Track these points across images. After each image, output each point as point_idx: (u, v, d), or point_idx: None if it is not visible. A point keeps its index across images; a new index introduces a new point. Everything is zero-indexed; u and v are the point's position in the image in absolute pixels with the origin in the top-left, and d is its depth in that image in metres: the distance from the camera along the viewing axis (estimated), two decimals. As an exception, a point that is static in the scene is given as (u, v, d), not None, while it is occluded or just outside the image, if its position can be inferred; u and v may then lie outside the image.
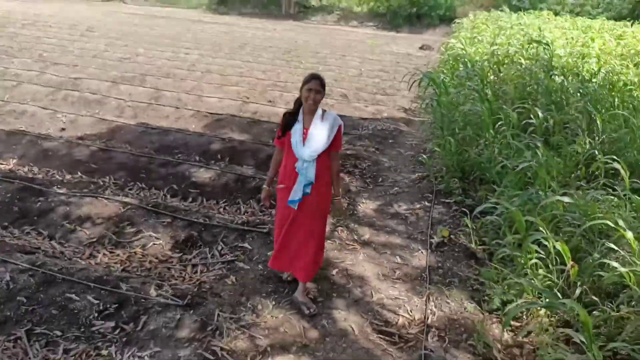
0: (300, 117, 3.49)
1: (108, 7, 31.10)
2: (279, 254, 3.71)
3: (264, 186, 3.76)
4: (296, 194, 3.47)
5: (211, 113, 8.64)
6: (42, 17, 21.44)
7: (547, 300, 3.33)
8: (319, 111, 3.49)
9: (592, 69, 8.91)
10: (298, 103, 3.52)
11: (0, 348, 3.20)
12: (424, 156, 6.54)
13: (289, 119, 3.51)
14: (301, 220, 3.58)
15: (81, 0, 34.09)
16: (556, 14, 27.93)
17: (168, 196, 5.57)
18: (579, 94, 7.30)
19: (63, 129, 7.69)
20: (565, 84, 7.65)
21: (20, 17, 20.91)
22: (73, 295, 3.59)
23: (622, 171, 4.78)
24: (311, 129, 3.44)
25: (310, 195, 3.50)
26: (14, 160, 6.34)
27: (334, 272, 4.21)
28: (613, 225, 3.67)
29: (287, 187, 3.53)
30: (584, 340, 2.85)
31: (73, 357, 3.15)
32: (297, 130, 3.45)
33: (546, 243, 3.79)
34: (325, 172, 3.56)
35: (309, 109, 3.46)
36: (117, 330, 3.34)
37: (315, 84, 3.38)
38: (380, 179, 6.28)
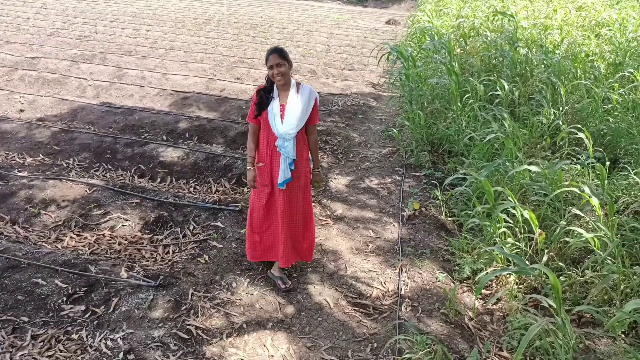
0: (275, 93, 3.36)
1: (63, -17, 29.67)
2: (268, 242, 3.61)
3: (248, 167, 3.52)
4: (284, 173, 3.37)
5: (177, 91, 8.42)
6: (-9, -7, 20.29)
7: (517, 266, 3.42)
8: (293, 83, 3.37)
9: (555, 40, 9.05)
10: (269, 81, 3.38)
11: (-36, 337, 3.09)
12: (394, 130, 6.56)
13: (264, 96, 3.36)
14: (288, 201, 3.49)
15: (33, -25, 32.46)
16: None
17: (136, 177, 5.43)
18: (543, 66, 7.42)
19: (21, 110, 7.37)
20: (530, 55, 7.76)
21: (-33, -7, 19.75)
22: (40, 280, 3.49)
23: (586, 140, 4.91)
24: (288, 104, 3.32)
25: (293, 172, 3.42)
26: (-31, 144, 6.05)
27: (308, 247, 4.21)
28: (579, 192, 3.78)
29: (266, 165, 3.43)
30: (553, 304, 2.94)
31: (42, 343, 3.06)
32: (273, 107, 3.33)
33: (514, 212, 3.88)
34: (304, 147, 3.48)
35: (280, 85, 3.32)
36: (88, 314, 3.27)
37: (274, 58, 3.23)
38: (351, 155, 6.28)
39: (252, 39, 14.15)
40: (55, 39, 12.29)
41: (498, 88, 6.44)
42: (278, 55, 3.24)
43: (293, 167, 3.42)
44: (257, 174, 3.49)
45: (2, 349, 3.01)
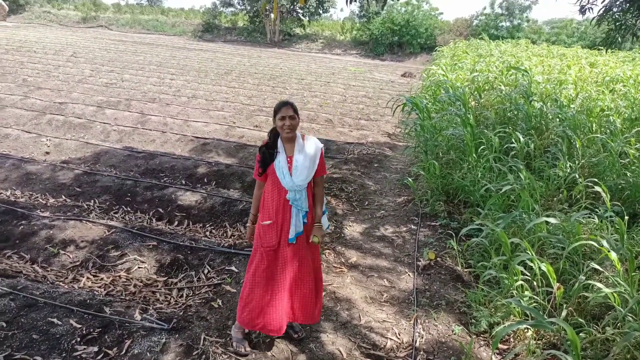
0: (280, 147, 3.28)
1: (93, 34, 31.21)
2: (275, 308, 3.30)
3: (248, 225, 3.43)
4: (296, 227, 3.26)
5: (197, 137, 8.65)
6: (26, 43, 21.41)
7: (535, 320, 3.34)
8: (299, 136, 3.30)
9: (570, 95, 9.17)
10: (273, 133, 3.29)
11: (-23, 375, 3.10)
12: (409, 179, 6.61)
13: (267, 152, 3.27)
14: (298, 259, 3.33)
15: (66, 27, 34.20)
16: (533, 42, 28.86)
17: (154, 219, 5.52)
18: (557, 119, 7.49)
19: (47, 153, 7.62)
20: (544, 109, 7.85)
21: (4, 42, 20.86)
22: (55, 320, 3.50)
23: (603, 194, 4.89)
24: (295, 156, 3.24)
25: (305, 226, 3.33)
26: (-4, 184, 6.23)
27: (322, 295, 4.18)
28: (598, 247, 3.73)
29: (275, 222, 3.26)
30: (571, 360, 2.86)
31: (54, 384, 3.05)
32: (280, 161, 3.23)
33: (532, 265, 3.84)
34: (311, 199, 3.37)
35: (287, 137, 3.25)
36: (101, 355, 3.25)
37: (286, 110, 3.18)
38: (366, 202, 6.32)
39: (272, 89, 14.58)
40: (83, 85, 12.82)
41: (513, 140, 6.50)
42: (291, 108, 3.21)
43: (306, 220, 3.32)
44: (262, 232, 3.29)
45: (13, 388, 3.00)
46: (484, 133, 6.75)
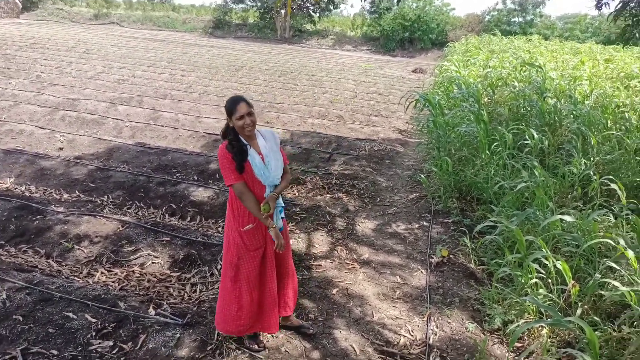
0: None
1: (104, 30, 31.40)
2: (271, 306, 3.25)
3: (272, 226, 3.11)
4: (278, 223, 3.17)
5: (209, 133, 8.67)
6: (39, 40, 21.59)
7: (552, 319, 3.31)
8: (256, 132, 3.12)
9: (585, 91, 9.06)
10: (233, 133, 3.03)
11: (-5, 368, 3.14)
12: (422, 176, 6.58)
13: (238, 146, 3.00)
14: (283, 253, 3.30)
15: (78, 23, 34.45)
16: (546, 38, 28.55)
17: (166, 215, 5.55)
18: (572, 116, 7.41)
19: (61, 149, 7.69)
20: (559, 106, 7.76)
21: (17, 39, 21.06)
22: (70, 314, 3.54)
23: (619, 191, 4.83)
24: (263, 151, 3.08)
25: (283, 220, 3.29)
26: (11, 179, 6.30)
27: (334, 291, 4.19)
28: (614, 244, 3.69)
29: (258, 223, 3.12)
30: (589, 359, 2.83)
31: (70, 378, 3.08)
32: (254, 157, 3.02)
33: (546, 262, 3.80)
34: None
35: (249, 135, 3.03)
36: (116, 350, 3.28)
37: (243, 107, 2.94)
38: (378, 199, 6.30)
39: (282, 85, 14.58)
40: (95, 82, 12.91)
41: (527, 137, 6.44)
42: (246, 104, 2.96)
43: (283, 215, 3.28)
44: (245, 238, 3.12)
45: (31, 381, 3.03)
46: (497, 129, 6.70)
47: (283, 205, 3.27)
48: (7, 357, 3.23)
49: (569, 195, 5.63)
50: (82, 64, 15.71)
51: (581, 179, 5.77)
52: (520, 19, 33.30)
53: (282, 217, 3.26)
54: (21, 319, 3.51)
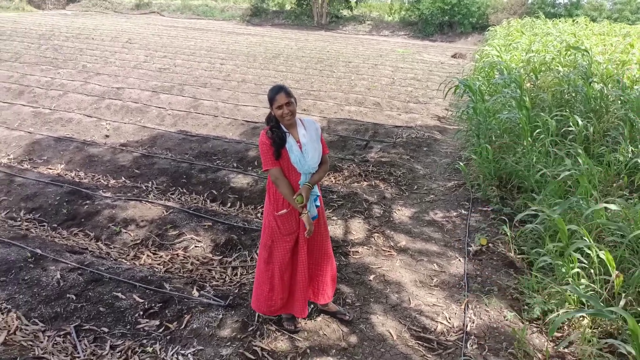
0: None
1: (146, 20, 32.09)
2: (301, 292, 3.35)
3: (304, 212, 3.20)
4: (312, 211, 3.24)
5: (247, 121, 8.81)
6: (84, 30, 22.31)
7: (595, 309, 3.26)
8: (298, 120, 3.22)
9: (633, 75, 8.67)
10: (274, 121, 3.15)
11: (50, 342, 3.35)
12: (461, 164, 6.50)
13: (278, 133, 3.12)
14: (316, 241, 3.37)
15: (120, 13, 35.34)
16: (593, 20, 27.34)
17: (208, 201, 5.71)
18: (619, 102, 7.12)
19: (107, 136, 7.99)
20: (605, 91, 7.48)
21: (64, 30, 21.84)
22: (119, 294, 3.73)
23: (668, 180, 4.65)
24: (302, 140, 3.16)
25: (318, 209, 3.34)
26: (62, 166, 6.62)
27: (371, 277, 4.24)
28: (661, 235, 3.58)
29: (292, 209, 3.21)
30: (632, 350, 2.79)
31: (119, 354, 3.26)
32: (292, 145, 3.13)
33: (589, 252, 3.72)
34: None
35: (289, 124, 3.14)
36: (162, 329, 3.45)
37: (282, 97, 3.04)
38: (415, 187, 6.28)
39: (319, 72, 14.58)
40: (138, 71, 13.27)
41: (571, 123, 6.25)
42: (285, 94, 3.06)
43: (318, 204, 3.33)
44: (279, 223, 3.24)
45: (84, 356, 3.23)
46: (539, 116, 6.52)
47: (318, 193, 3.33)
48: (61, 332, 3.45)
49: (615, 184, 5.45)
50: (125, 54, 16.17)
51: (628, 167, 5.58)
52: (566, 0, 31.95)
53: (317, 206, 3.31)
54: (74, 297, 3.72)
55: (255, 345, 3.30)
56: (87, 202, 5.29)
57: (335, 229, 4.96)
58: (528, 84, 8.79)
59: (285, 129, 3.15)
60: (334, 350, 3.36)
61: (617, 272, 3.58)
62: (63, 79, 11.61)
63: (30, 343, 3.33)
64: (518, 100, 6.56)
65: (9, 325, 3.45)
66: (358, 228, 5.04)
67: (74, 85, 11.06)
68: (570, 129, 6.26)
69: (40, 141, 7.27)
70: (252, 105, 9.98)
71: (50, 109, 9.05)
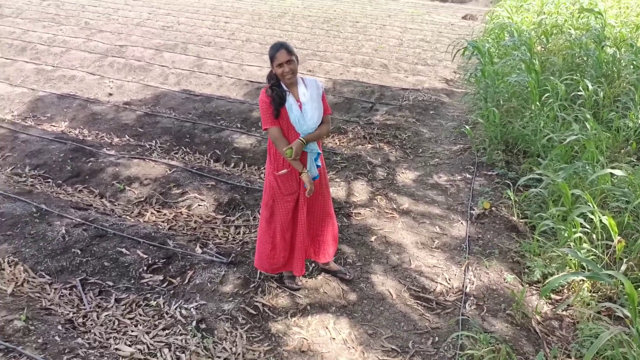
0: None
1: (149, -24, 31.32)
2: (300, 250, 3.36)
3: (304, 171, 3.18)
4: (312, 171, 3.22)
5: (252, 81, 8.70)
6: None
7: (591, 272, 3.28)
8: (299, 79, 3.15)
9: (648, 40, 8.43)
10: (275, 79, 3.10)
11: (57, 295, 3.42)
12: (467, 127, 6.43)
13: (279, 92, 3.07)
14: (316, 201, 3.36)
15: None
16: (610, -18, 26.40)
17: (211, 160, 5.71)
18: (632, 67, 6.96)
19: (110, 94, 7.93)
20: (618, 55, 7.30)
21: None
22: (124, 250, 3.78)
23: (677, 146, 4.58)
24: (302, 99, 3.10)
25: (319, 169, 3.31)
26: (65, 123, 6.60)
27: (373, 238, 4.26)
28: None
29: (291, 170, 3.20)
30: (628, 314, 2.81)
31: (124, 306, 3.34)
32: (292, 104, 3.08)
33: (592, 217, 3.72)
34: (319, 141, 3.29)
35: (289, 82, 3.08)
36: (165, 284, 3.51)
37: (283, 55, 2.96)
38: (420, 150, 6.24)
39: (325, 33, 14.29)
40: (141, 28, 13.04)
41: (581, 88, 6.13)
42: (286, 52, 2.98)
43: (319, 163, 3.30)
44: (280, 182, 3.22)
45: (90, 308, 3.30)
46: (549, 80, 6.39)
47: (319, 151, 3.28)
48: (67, 285, 3.52)
49: (622, 150, 5.39)
50: (128, 11, 15.86)
51: (637, 133, 5.50)
52: (583, -39, 30.86)
53: (317, 166, 3.29)
54: (79, 252, 3.78)
55: (257, 301, 3.36)
56: (91, 159, 5.30)
57: (338, 191, 4.96)
58: (538, 47, 8.59)
59: (286, 88, 3.10)
60: (334, 308, 3.42)
61: (619, 237, 3.59)
62: (65, 36, 11.44)
63: (38, 295, 3.40)
64: (527, 63, 6.42)
65: (17, 278, 3.52)
66: (361, 190, 5.04)
67: (77, 42, 10.91)
68: (580, 93, 6.15)
69: (44, 98, 7.23)
70: (257, 65, 9.83)
71: (53, 66, 8.96)
